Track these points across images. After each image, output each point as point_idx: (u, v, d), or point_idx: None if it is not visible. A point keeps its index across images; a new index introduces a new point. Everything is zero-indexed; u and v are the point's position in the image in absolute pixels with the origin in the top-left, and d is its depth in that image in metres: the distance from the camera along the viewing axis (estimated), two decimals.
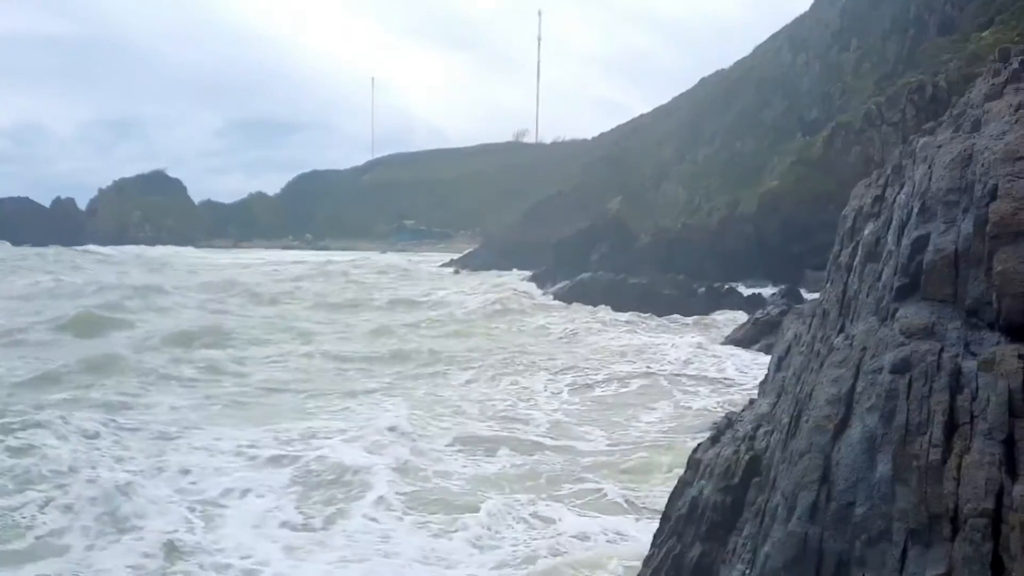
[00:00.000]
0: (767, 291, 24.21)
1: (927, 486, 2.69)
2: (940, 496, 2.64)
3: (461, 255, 60.25)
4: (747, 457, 4.71)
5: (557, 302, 26.59)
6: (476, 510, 7.27)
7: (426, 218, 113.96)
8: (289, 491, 7.85)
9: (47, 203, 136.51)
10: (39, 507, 6.97)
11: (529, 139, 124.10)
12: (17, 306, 23.60)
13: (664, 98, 55.21)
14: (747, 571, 3.77)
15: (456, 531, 6.94)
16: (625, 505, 7.59)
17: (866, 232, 5.02)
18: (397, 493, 7.78)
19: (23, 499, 7.10)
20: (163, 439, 9.48)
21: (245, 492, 7.74)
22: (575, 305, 25.09)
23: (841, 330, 4.41)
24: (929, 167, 4.35)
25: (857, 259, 4.86)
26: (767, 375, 7.13)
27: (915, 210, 3.99)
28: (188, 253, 79.38)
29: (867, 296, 4.35)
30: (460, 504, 7.57)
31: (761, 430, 4.99)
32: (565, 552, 6.54)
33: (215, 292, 30.09)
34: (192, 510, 7.25)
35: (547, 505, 7.47)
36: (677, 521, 4.87)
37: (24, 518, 6.79)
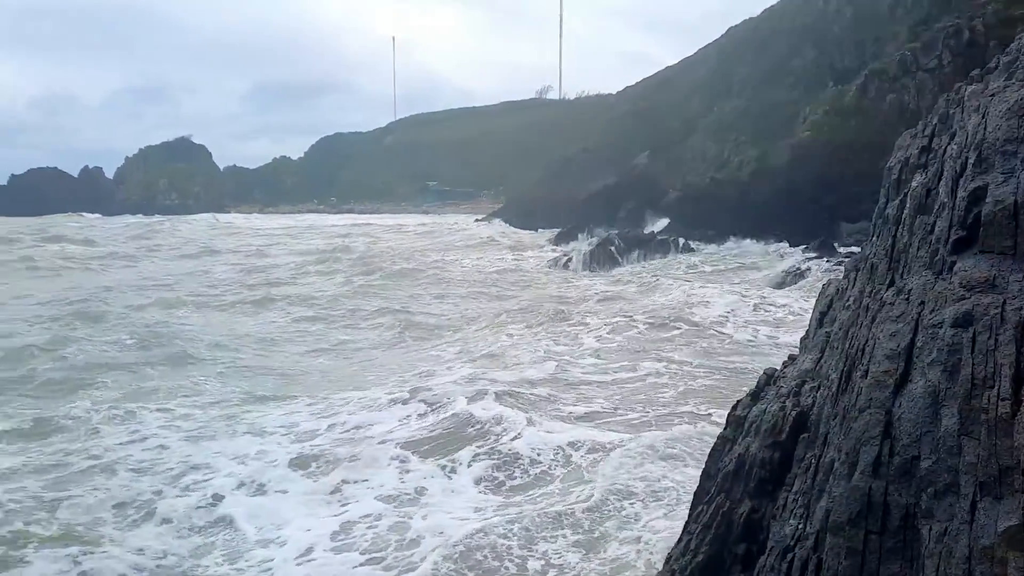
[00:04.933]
0: (799, 245, 23.97)
1: (996, 439, 2.67)
2: (1011, 448, 2.62)
3: (485, 215, 60.20)
4: (794, 413, 4.69)
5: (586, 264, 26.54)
6: None
7: (450, 178, 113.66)
8: None
9: (75, 172, 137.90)
10: None
11: (553, 95, 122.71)
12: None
13: (690, 49, 54.26)
14: (800, 525, 3.77)
15: None
16: None
17: (914, 184, 4.91)
18: None
19: None
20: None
21: None
22: (608, 265, 25.04)
23: (891, 284, 4.34)
24: (983, 116, 4.23)
25: (906, 211, 4.76)
26: (808, 331, 7.08)
27: (970, 161, 3.89)
28: (231, 219, 79.85)
29: (918, 250, 4.27)
30: None
31: (806, 386, 4.96)
32: None
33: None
34: None
35: None
36: (724, 478, 4.88)
37: None
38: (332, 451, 8.05)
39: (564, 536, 6.06)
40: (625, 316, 15.55)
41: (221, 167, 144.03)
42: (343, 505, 6.85)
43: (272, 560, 5.83)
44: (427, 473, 7.41)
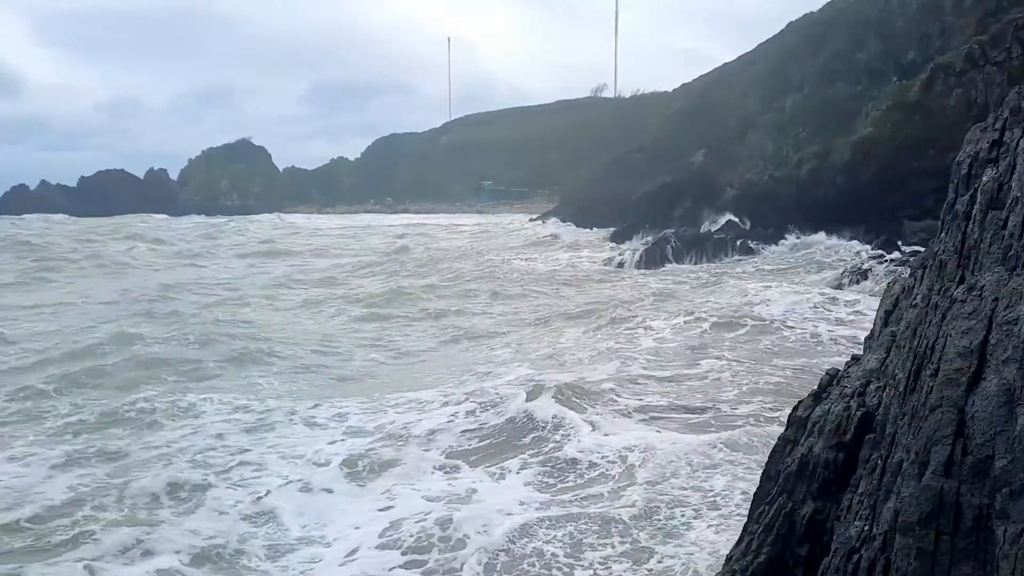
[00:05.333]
0: (861, 243, 23.43)
1: None
2: None
3: (540, 215, 60.17)
4: (859, 413, 4.61)
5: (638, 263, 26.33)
6: None
7: (504, 178, 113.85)
8: None
9: (141, 174, 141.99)
10: None
11: (608, 93, 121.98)
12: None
13: (748, 45, 53.48)
14: (866, 527, 3.70)
15: None
16: None
17: (985, 178, 4.77)
18: None
19: None
20: None
21: None
22: (664, 264, 24.83)
23: (961, 281, 4.23)
24: None
25: (976, 207, 4.63)
26: (872, 330, 6.91)
27: None
28: (293, 219, 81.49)
29: (990, 245, 4.15)
30: None
31: (872, 386, 4.87)
32: None
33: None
34: None
35: None
36: (786, 479, 4.81)
37: None
38: (382, 450, 8.13)
39: (612, 545, 5.95)
40: (684, 315, 15.40)
41: (280, 168, 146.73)
42: (390, 504, 6.87)
43: (316, 558, 5.89)
44: (477, 475, 7.40)
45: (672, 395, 9.47)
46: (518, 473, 7.42)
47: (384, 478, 7.51)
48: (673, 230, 28.10)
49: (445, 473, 7.59)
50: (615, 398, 9.30)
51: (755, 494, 5.03)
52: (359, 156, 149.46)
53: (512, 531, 6.09)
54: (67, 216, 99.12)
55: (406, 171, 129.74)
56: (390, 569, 5.70)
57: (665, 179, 37.49)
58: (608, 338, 13.81)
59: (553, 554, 5.81)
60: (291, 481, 7.34)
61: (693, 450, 7.66)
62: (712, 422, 8.38)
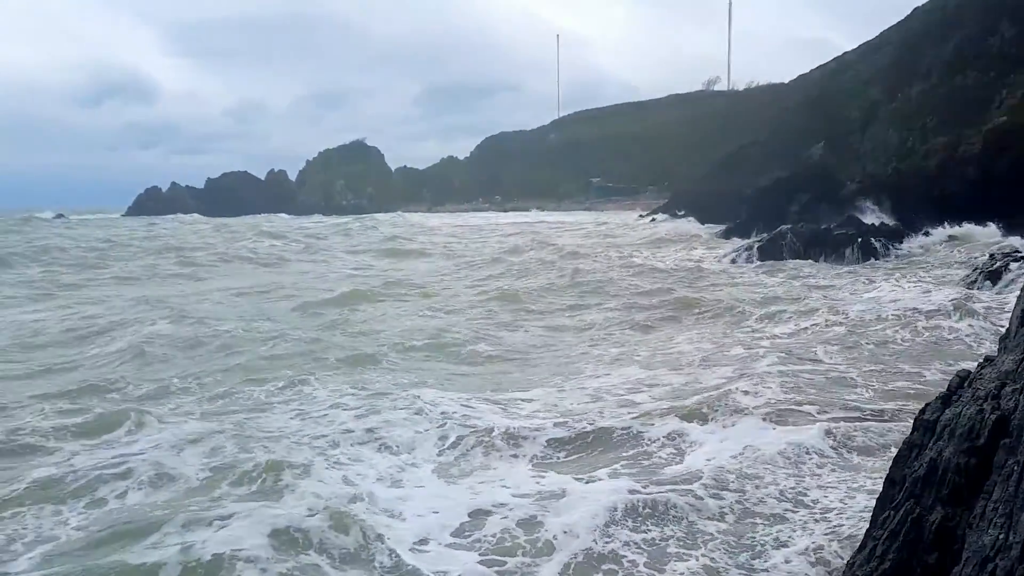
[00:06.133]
0: (993, 239, 22.15)
1: None
2: None
3: (650, 211, 59.55)
4: (993, 417, 4.42)
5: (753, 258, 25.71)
6: None
7: (613, 175, 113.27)
8: None
9: (262, 175, 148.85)
10: None
11: (721, 86, 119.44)
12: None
13: (870, 33, 51.14)
14: (1001, 535, 3.56)
15: None
16: None
17: None
18: None
19: None
20: None
21: None
22: (781, 261, 24.17)
23: None
24: None
25: None
26: (1007, 330, 6.55)
27: None
28: (418, 218, 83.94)
29: None
30: None
31: (1007, 388, 4.65)
32: None
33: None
34: None
35: None
36: (913, 484, 4.67)
37: None
38: (478, 445, 8.26)
39: (695, 558, 5.74)
40: (802, 313, 14.98)
41: (392, 168, 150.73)
42: (476, 498, 6.92)
43: (401, 540, 6.03)
44: (569, 476, 7.29)
45: (790, 396, 9.20)
46: (616, 476, 7.26)
47: (476, 473, 7.60)
48: (790, 226, 27.25)
49: (537, 471, 7.59)
50: (728, 400, 9.12)
51: (878, 499, 4.88)
52: (468, 155, 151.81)
53: (597, 542, 5.97)
54: (199, 216, 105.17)
55: (514, 169, 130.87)
56: (467, 565, 5.73)
57: (781, 173, 36.42)
58: (724, 337, 13.57)
59: (632, 562, 5.69)
60: (387, 468, 7.62)
61: (807, 451, 7.45)
62: (832, 424, 8.11)
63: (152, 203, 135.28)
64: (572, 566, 5.66)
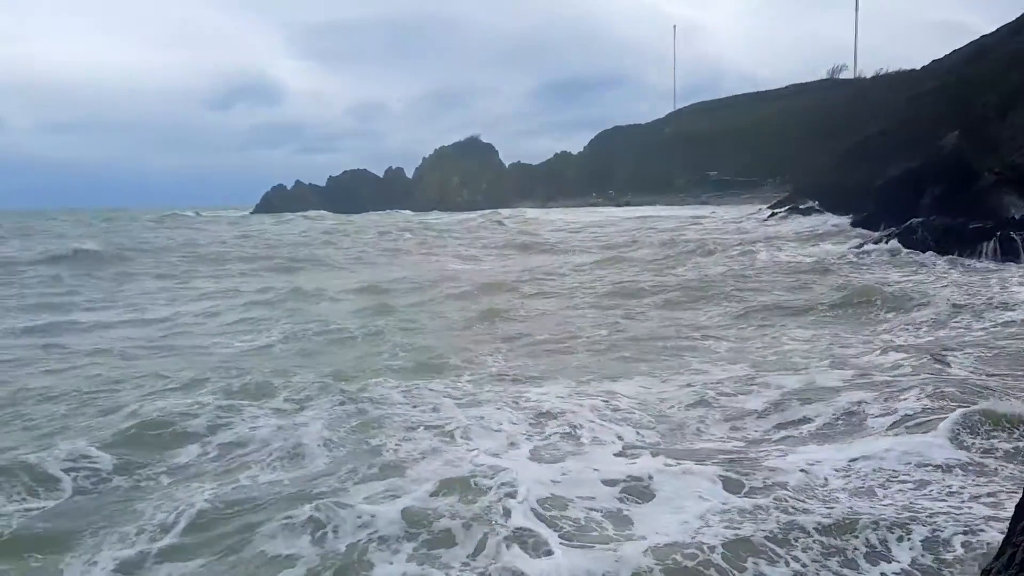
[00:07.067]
0: None
1: None
2: None
3: (770, 204, 57.83)
4: None
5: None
6: None
7: (730, 168, 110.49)
8: None
9: (381, 173, 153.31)
10: None
11: (847, 74, 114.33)
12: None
13: (1012, 13, 47.94)
14: None
15: None
16: None
17: None
18: None
19: None
20: None
21: None
22: (911, 256, 23.08)
23: None
24: None
25: None
26: None
27: None
28: (537, 213, 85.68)
29: None
30: None
31: None
32: None
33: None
34: None
35: None
36: None
37: None
38: (571, 431, 8.39)
39: (786, 562, 5.55)
40: (936, 312, 14.31)
41: (506, 164, 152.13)
42: (562, 477, 7.04)
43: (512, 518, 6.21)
44: (660, 465, 7.22)
45: (917, 400, 8.80)
46: (706, 466, 7.14)
47: (568, 459, 7.63)
48: (921, 219, 25.91)
49: (627, 460, 7.55)
50: (843, 405, 8.82)
51: (1018, 505, 4.68)
52: (582, 150, 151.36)
53: (683, 540, 5.92)
54: (325, 212, 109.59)
55: (628, 163, 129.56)
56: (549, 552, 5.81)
57: (911, 164, 34.62)
58: (847, 336, 13.13)
59: (722, 554, 5.60)
60: (482, 450, 7.88)
61: (935, 458, 7.13)
62: (963, 429, 7.73)
63: (278, 200, 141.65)
64: (656, 550, 5.68)
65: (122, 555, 5.84)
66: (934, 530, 5.84)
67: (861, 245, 26.07)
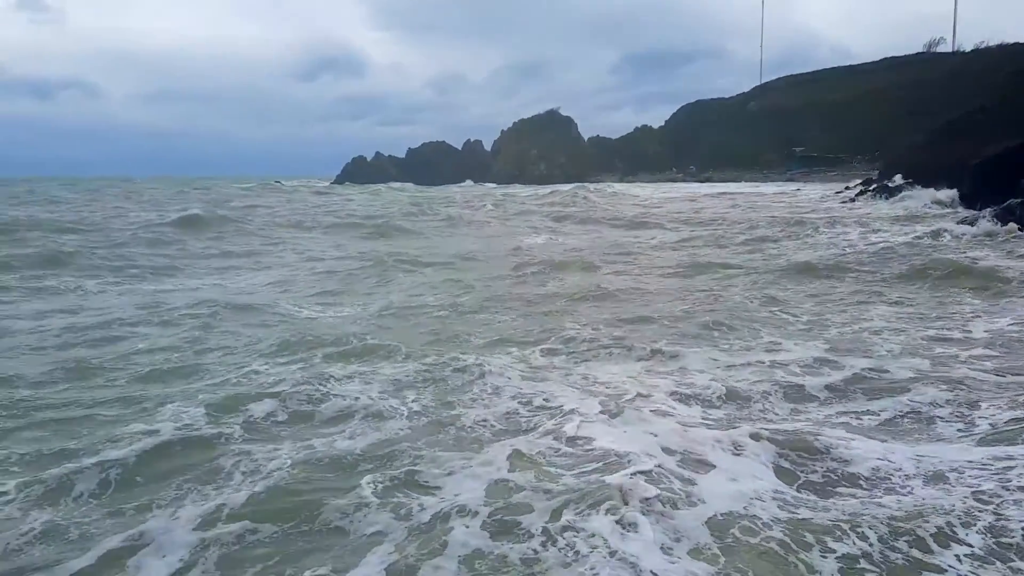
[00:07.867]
0: None
1: None
2: None
3: (859, 182, 55.97)
4: None
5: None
6: None
7: (818, 144, 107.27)
8: None
9: (459, 145, 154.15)
10: None
11: (944, 48, 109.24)
12: None
13: None
14: None
15: None
16: None
17: None
18: None
19: None
20: None
21: None
22: (1009, 239, 22.12)
23: None
24: None
25: None
26: None
27: None
28: (620, 187, 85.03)
29: None
30: None
31: None
32: None
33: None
34: None
35: None
36: None
37: None
38: (645, 404, 8.42)
39: (853, 540, 5.46)
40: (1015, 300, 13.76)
41: (585, 138, 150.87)
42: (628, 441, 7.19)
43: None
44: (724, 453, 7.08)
45: (997, 398, 8.47)
46: (760, 447, 7.08)
47: (636, 424, 7.71)
48: (1020, 200, 24.78)
49: (689, 428, 7.57)
50: (912, 397, 8.57)
51: None
52: (663, 124, 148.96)
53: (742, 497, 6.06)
54: (407, 184, 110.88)
55: (711, 138, 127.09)
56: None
57: (1011, 142, 33.01)
58: (927, 320, 12.69)
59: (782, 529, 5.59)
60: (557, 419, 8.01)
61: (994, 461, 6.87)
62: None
63: (358, 171, 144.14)
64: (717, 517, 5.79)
65: (201, 510, 6.08)
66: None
67: (956, 225, 25.11)
